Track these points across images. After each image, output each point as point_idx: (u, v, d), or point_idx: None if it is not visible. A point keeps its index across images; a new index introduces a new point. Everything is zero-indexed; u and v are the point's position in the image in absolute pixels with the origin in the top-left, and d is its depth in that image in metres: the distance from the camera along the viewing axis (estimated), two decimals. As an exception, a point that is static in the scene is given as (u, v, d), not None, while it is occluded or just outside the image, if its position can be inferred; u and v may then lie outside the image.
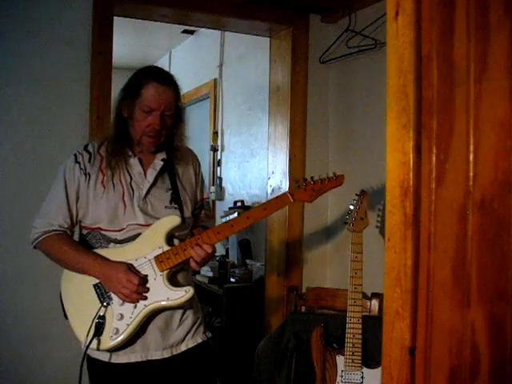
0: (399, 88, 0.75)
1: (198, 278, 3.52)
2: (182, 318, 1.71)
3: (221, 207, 4.03)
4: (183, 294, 1.60)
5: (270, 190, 2.98)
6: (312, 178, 1.71)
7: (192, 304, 1.73)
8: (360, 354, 2.03)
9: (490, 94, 0.66)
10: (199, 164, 1.89)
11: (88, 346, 1.56)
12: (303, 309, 2.57)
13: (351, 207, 2.12)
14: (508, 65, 0.64)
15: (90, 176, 1.66)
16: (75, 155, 1.71)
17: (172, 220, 1.65)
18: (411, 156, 0.73)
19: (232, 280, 3.27)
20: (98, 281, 1.63)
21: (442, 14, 0.71)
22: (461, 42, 0.68)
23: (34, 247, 1.69)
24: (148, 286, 1.60)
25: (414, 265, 0.74)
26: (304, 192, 1.70)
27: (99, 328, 1.57)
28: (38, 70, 2.22)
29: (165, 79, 1.66)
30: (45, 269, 2.24)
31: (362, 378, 2.02)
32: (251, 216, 1.66)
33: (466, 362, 0.69)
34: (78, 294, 1.66)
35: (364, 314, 2.10)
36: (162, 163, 1.72)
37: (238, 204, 3.66)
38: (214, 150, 4.16)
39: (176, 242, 1.68)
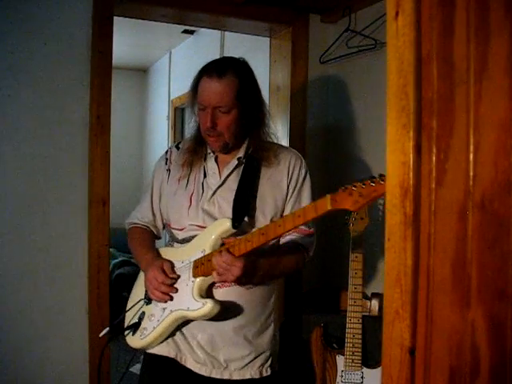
0: (399, 88, 0.75)
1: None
2: (231, 336, 1.52)
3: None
4: (200, 306, 1.43)
5: (269, 190, 2.98)
6: (362, 179, 1.37)
7: (250, 325, 1.54)
8: (360, 354, 2.03)
9: (489, 94, 0.66)
10: (301, 171, 1.63)
11: (115, 334, 1.60)
12: (303, 309, 2.57)
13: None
14: (508, 65, 0.64)
15: (170, 172, 1.66)
16: (166, 152, 1.72)
17: (222, 224, 1.49)
18: (411, 156, 0.73)
19: (232, 280, 3.26)
20: None
21: (442, 13, 0.71)
22: (461, 41, 0.68)
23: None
24: (179, 289, 1.50)
25: (414, 265, 0.74)
26: (348, 197, 1.34)
27: (138, 324, 1.55)
28: (37, 70, 2.22)
29: (218, 71, 1.50)
30: (45, 268, 2.25)
31: (362, 378, 2.02)
32: (283, 225, 1.40)
33: (466, 361, 0.69)
34: (139, 282, 1.68)
35: (364, 313, 2.10)
36: (236, 162, 1.58)
37: (238, 204, 3.65)
38: (214, 150, 4.15)
39: None
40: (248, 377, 1.53)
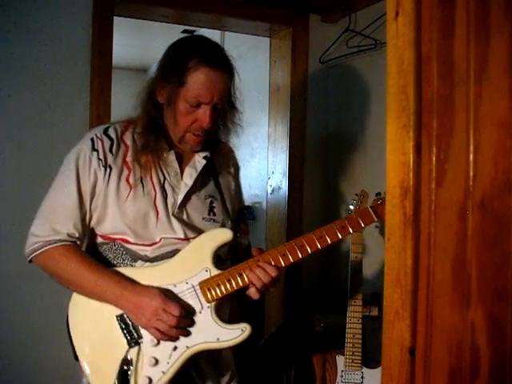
0: (399, 88, 0.75)
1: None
2: (215, 362, 1.38)
3: (221, 207, 4.03)
4: (239, 333, 1.24)
5: (269, 190, 2.98)
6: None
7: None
8: (360, 354, 2.03)
9: (489, 94, 0.66)
10: (238, 166, 1.54)
11: None
12: (303, 309, 2.57)
13: (351, 207, 2.12)
14: (508, 65, 0.64)
15: (111, 169, 1.28)
16: (92, 140, 1.30)
17: (223, 234, 1.29)
18: (411, 156, 0.73)
19: (232, 280, 3.25)
20: (121, 311, 1.25)
21: (442, 14, 0.71)
22: (461, 41, 0.68)
23: (30, 261, 1.32)
24: (192, 320, 1.24)
25: (414, 265, 0.74)
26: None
27: (126, 378, 1.20)
28: (37, 70, 2.22)
29: (219, 60, 1.27)
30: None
31: (362, 378, 2.02)
32: (325, 236, 1.28)
33: (466, 361, 0.69)
34: (96, 328, 1.27)
35: (364, 314, 2.10)
36: (204, 162, 1.36)
37: (238, 204, 3.65)
38: (214, 149, 4.15)
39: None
40: None
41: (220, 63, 1.28)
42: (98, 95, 2.29)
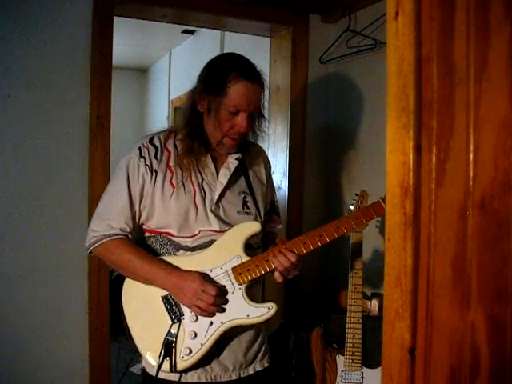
0: (399, 88, 0.75)
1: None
2: (253, 338, 1.58)
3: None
4: (266, 311, 1.45)
5: (269, 190, 2.98)
6: None
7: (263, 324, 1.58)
8: (360, 354, 2.03)
9: (489, 94, 0.66)
10: (270, 164, 1.74)
11: (159, 369, 1.41)
12: (303, 309, 2.57)
13: (351, 207, 2.12)
14: (508, 65, 0.64)
15: (156, 173, 1.50)
16: (140, 149, 1.52)
17: (251, 226, 1.51)
18: (411, 156, 0.73)
19: (232, 280, 3.26)
20: (166, 293, 1.47)
21: (442, 14, 0.71)
22: (461, 41, 0.68)
23: (90, 252, 1.53)
24: (226, 299, 1.45)
25: (414, 265, 0.74)
26: None
27: (170, 348, 1.41)
28: (37, 70, 2.22)
29: (255, 75, 1.49)
30: (45, 268, 2.25)
31: (362, 378, 2.02)
32: (341, 226, 1.48)
33: (466, 361, 0.69)
34: (145, 308, 1.48)
35: (364, 313, 2.10)
36: (236, 163, 1.57)
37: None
38: (214, 149, 4.15)
39: (249, 251, 1.52)
40: (266, 365, 1.63)
41: (256, 77, 1.49)
42: (98, 95, 2.29)
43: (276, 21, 2.77)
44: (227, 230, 1.50)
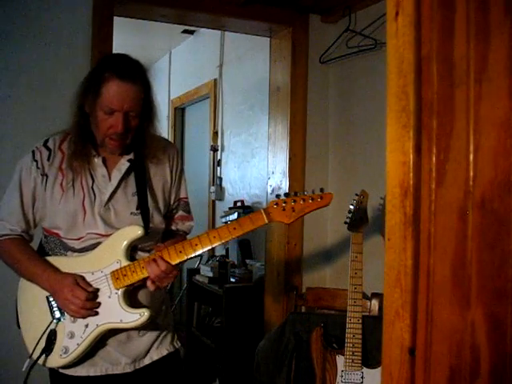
0: (399, 88, 0.75)
1: (197, 277, 3.53)
2: (143, 331, 1.57)
3: (221, 207, 4.03)
4: (137, 317, 1.45)
5: (269, 190, 2.98)
6: (296, 193, 1.47)
7: (159, 314, 1.61)
8: (360, 354, 2.03)
9: (489, 94, 0.66)
10: (178, 160, 1.68)
11: (35, 362, 1.48)
12: (303, 309, 2.57)
13: (351, 207, 2.12)
14: (508, 65, 0.64)
15: (47, 177, 1.51)
16: (33, 152, 1.54)
17: (134, 230, 1.48)
18: (411, 156, 0.73)
19: (232, 280, 3.27)
20: None
21: (441, 14, 0.71)
22: (461, 41, 0.68)
23: None
24: (102, 303, 1.46)
25: (414, 265, 0.74)
26: (282, 212, 1.45)
27: (50, 344, 1.47)
28: (38, 70, 2.22)
29: (128, 74, 1.44)
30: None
31: (362, 378, 2.02)
32: (218, 236, 1.45)
33: (466, 362, 0.69)
34: (32, 304, 1.55)
35: (364, 313, 2.10)
36: (128, 164, 1.54)
37: (238, 204, 3.66)
38: (214, 149, 4.16)
39: (140, 254, 1.53)
40: (165, 353, 1.61)
41: (130, 76, 1.44)
42: (98, 95, 2.29)
43: (276, 21, 2.77)
44: (112, 234, 1.49)
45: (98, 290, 1.47)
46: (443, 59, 0.71)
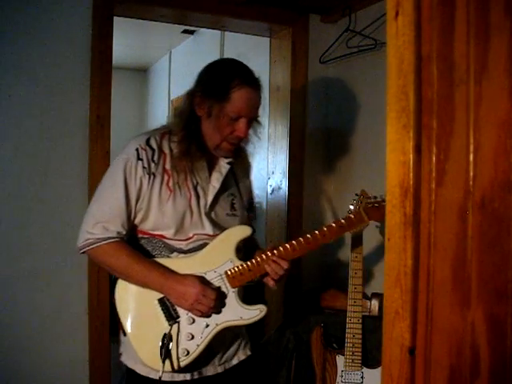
0: (399, 88, 0.75)
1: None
2: (236, 332, 1.63)
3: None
4: (257, 313, 1.50)
5: (269, 190, 2.98)
6: (382, 196, 1.62)
7: None
8: (360, 354, 2.03)
9: (489, 94, 0.66)
10: (251, 165, 1.77)
11: (163, 371, 1.43)
12: (303, 309, 2.57)
13: (351, 207, 2.12)
14: (508, 65, 0.64)
15: (154, 176, 1.48)
16: (137, 150, 1.49)
17: (243, 230, 1.55)
18: (411, 156, 0.73)
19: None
20: (162, 295, 1.48)
21: (442, 14, 0.71)
22: (461, 42, 0.68)
23: (83, 252, 1.51)
24: (222, 302, 1.49)
25: (414, 265, 0.74)
26: (377, 211, 1.61)
27: (168, 350, 1.44)
28: (38, 70, 2.22)
29: (255, 81, 1.52)
30: (45, 268, 2.25)
31: (362, 378, 2.02)
32: (327, 234, 1.54)
33: (466, 362, 0.69)
34: (140, 309, 1.51)
35: (364, 313, 2.10)
36: (228, 167, 1.58)
37: (238, 204, 3.65)
38: (214, 149, 4.15)
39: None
40: (249, 353, 1.68)
41: (257, 83, 1.52)
42: (98, 95, 2.29)
43: (276, 21, 2.77)
44: (219, 234, 1.53)
45: (219, 288, 1.50)
46: (443, 59, 0.71)
